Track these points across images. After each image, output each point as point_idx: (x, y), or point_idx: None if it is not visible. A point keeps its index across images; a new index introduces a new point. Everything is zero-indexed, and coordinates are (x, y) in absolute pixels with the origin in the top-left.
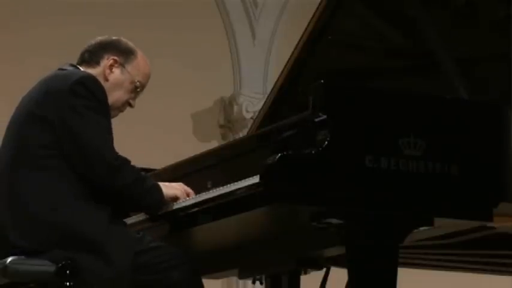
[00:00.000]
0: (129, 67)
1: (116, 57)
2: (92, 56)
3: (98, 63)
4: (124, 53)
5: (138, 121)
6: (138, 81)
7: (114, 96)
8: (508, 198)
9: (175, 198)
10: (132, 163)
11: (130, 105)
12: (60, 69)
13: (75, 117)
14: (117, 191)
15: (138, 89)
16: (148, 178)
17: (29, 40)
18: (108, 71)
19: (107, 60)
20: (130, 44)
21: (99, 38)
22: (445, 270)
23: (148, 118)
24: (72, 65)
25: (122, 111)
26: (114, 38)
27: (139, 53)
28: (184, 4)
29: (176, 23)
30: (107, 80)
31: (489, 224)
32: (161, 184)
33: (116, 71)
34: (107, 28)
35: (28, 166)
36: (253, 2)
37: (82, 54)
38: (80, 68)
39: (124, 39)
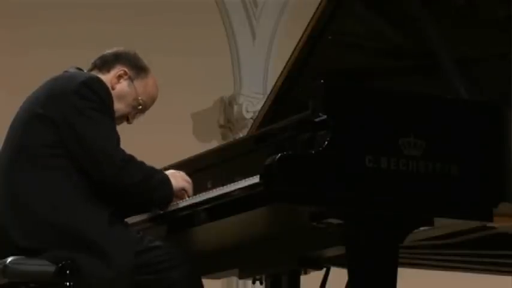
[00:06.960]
0: (137, 83)
1: (127, 70)
2: (104, 63)
3: (108, 71)
4: (136, 68)
5: (138, 121)
6: (141, 99)
7: (115, 107)
8: (508, 198)
9: (183, 190)
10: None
11: (128, 120)
12: (65, 71)
13: (79, 118)
14: (126, 190)
15: (140, 107)
16: (157, 173)
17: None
18: (115, 80)
19: (117, 70)
20: (146, 63)
21: (116, 48)
22: (445, 270)
23: (148, 118)
24: (77, 68)
25: (118, 124)
26: (131, 51)
27: (151, 75)
28: (184, 4)
29: (176, 22)
30: (113, 88)
31: (489, 224)
32: (170, 175)
33: (124, 82)
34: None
35: (30, 165)
36: (253, 2)
37: (95, 61)
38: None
39: (140, 57)
